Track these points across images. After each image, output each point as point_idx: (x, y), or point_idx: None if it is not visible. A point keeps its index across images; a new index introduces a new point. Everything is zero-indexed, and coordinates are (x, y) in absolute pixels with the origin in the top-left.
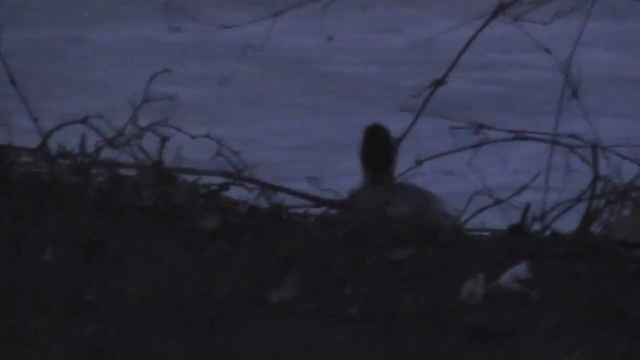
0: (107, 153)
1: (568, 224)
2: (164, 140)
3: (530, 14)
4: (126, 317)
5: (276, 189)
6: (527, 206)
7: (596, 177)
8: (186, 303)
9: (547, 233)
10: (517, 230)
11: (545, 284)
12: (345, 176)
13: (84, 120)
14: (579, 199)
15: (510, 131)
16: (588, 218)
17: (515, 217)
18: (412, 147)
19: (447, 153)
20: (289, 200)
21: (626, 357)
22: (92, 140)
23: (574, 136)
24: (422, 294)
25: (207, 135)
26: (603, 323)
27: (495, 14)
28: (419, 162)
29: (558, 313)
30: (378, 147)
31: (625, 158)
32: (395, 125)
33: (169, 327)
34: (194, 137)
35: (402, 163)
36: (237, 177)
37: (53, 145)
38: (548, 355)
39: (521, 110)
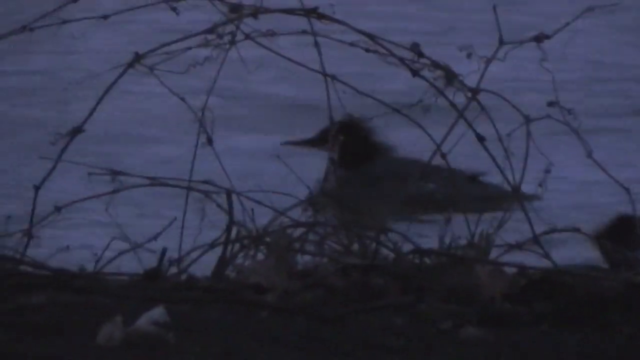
0: None
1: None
2: None
3: (165, 65)
4: None
5: None
6: (164, 251)
7: (231, 222)
8: None
9: (184, 277)
10: (153, 275)
11: (181, 328)
12: None
13: None
14: (213, 244)
15: (148, 177)
16: (223, 263)
17: (153, 262)
18: (51, 193)
19: (85, 199)
20: None
21: None
22: None
23: (208, 182)
24: (55, 339)
25: None
26: None
27: (131, 64)
28: (58, 209)
29: (193, 357)
30: None
31: (259, 203)
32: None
33: None
34: None
35: (46, 209)
36: None
37: None
38: None
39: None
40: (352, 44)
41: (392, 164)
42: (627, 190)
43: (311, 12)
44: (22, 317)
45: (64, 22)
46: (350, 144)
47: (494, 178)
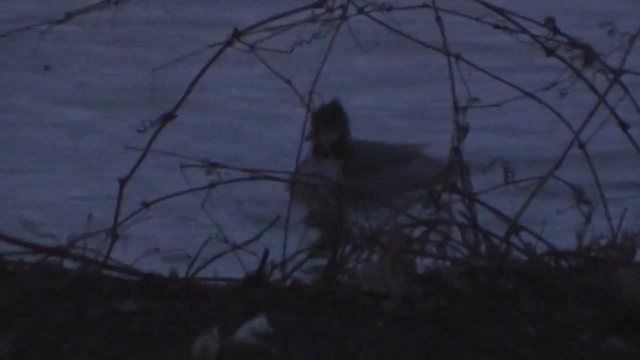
0: None
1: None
2: None
3: (266, 43)
4: None
5: None
6: (266, 253)
7: (341, 220)
8: None
9: (288, 282)
10: (255, 280)
11: (285, 340)
12: None
13: None
14: (322, 245)
15: (247, 170)
16: (333, 266)
17: (253, 265)
18: (139, 188)
19: (177, 194)
20: (2, 247)
21: None
22: None
23: (316, 175)
24: (148, 350)
25: None
26: None
27: (229, 42)
28: (146, 205)
29: None
30: None
31: (372, 197)
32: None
33: None
34: None
35: (130, 205)
36: None
37: None
38: None
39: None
40: (478, 20)
41: (366, 150)
42: None
43: None
44: (112, 325)
45: None
46: (330, 132)
47: None
